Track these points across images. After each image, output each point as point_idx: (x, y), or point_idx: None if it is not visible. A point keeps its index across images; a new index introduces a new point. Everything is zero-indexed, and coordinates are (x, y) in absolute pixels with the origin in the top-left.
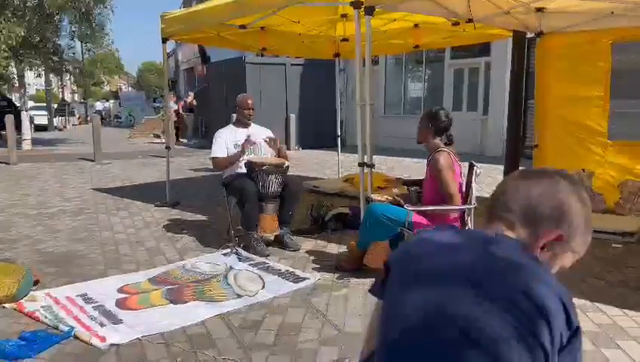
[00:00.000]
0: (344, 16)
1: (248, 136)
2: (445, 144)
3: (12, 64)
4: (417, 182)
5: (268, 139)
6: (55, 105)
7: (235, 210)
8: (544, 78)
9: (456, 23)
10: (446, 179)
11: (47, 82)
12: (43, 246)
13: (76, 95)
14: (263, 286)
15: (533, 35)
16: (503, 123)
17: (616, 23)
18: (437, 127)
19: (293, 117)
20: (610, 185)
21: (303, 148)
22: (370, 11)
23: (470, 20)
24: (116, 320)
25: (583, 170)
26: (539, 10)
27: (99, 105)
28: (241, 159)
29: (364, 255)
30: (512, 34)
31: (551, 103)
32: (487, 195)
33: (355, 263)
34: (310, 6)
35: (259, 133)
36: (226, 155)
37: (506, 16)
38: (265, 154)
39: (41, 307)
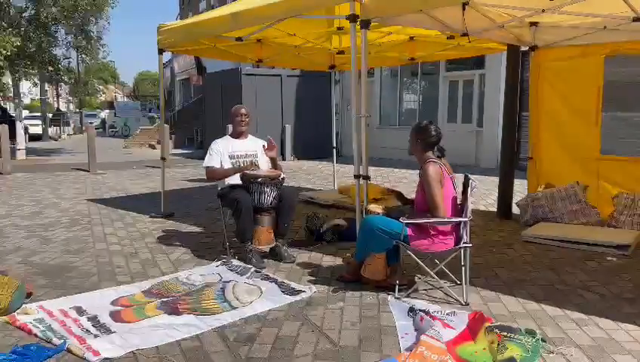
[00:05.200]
0: (340, 29)
1: (252, 163)
2: (438, 157)
3: (7, 73)
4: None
5: (268, 143)
6: (50, 115)
7: (230, 222)
8: (538, 90)
9: (451, 37)
10: (432, 189)
11: (42, 92)
12: (36, 258)
13: (71, 105)
14: (260, 295)
15: (527, 48)
16: (497, 135)
17: (609, 37)
18: (425, 141)
19: (288, 128)
20: (604, 198)
21: (298, 159)
22: (366, 25)
23: (465, 34)
24: (110, 333)
25: (577, 182)
26: (533, 24)
27: (102, 114)
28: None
29: (361, 266)
30: (506, 47)
31: (544, 116)
32: (483, 208)
33: (354, 275)
34: (306, 19)
35: (254, 145)
36: (219, 166)
37: (500, 30)
38: (260, 167)
39: (34, 320)
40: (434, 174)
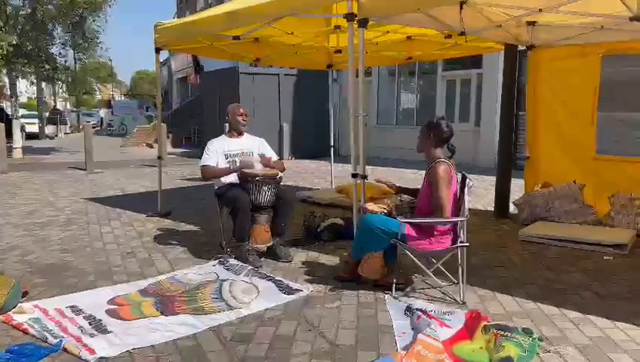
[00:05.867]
0: (338, 27)
1: (242, 162)
2: (448, 157)
3: (4, 72)
4: (413, 192)
5: (260, 157)
6: (47, 114)
7: (228, 221)
8: (535, 90)
9: (448, 36)
10: (440, 190)
11: (39, 90)
12: (32, 257)
13: (68, 103)
14: (257, 295)
15: (524, 47)
16: (494, 134)
17: (606, 37)
18: (438, 137)
19: (286, 127)
20: (600, 198)
21: (296, 158)
22: (363, 23)
23: (463, 33)
24: (106, 332)
25: (575, 181)
26: (530, 23)
27: (102, 113)
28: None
29: (358, 266)
30: (503, 47)
31: (542, 115)
32: (481, 207)
33: (351, 274)
34: (304, 18)
35: (251, 143)
36: (215, 165)
37: (498, 29)
38: (256, 165)
39: (30, 319)
40: (444, 174)
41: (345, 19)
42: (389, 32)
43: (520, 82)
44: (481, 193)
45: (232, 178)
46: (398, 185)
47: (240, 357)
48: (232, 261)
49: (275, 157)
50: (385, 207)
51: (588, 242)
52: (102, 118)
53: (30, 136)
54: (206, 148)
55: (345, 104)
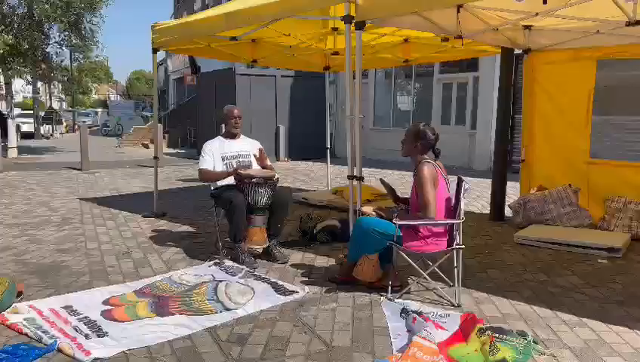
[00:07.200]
0: (335, 29)
1: (239, 164)
2: (433, 159)
3: None
4: (406, 201)
5: (258, 153)
6: (42, 113)
7: (224, 222)
8: (531, 93)
9: (445, 39)
10: (424, 188)
11: (35, 90)
12: (27, 257)
13: (64, 103)
14: (253, 296)
15: (520, 51)
16: (490, 137)
17: (601, 41)
18: (424, 146)
19: (282, 128)
20: (595, 201)
21: (292, 160)
22: (360, 26)
23: (459, 36)
24: (101, 333)
25: (570, 185)
26: (527, 27)
27: (99, 113)
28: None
29: (354, 267)
30: (500, 50)
31: (537, 119)
32: (476, 210)
33: (347, 275)
34: (301, 19)
35: (247, 145)
36: (212, 167)
37: (494, 33)
38: (253, 168)
39: (24, 319)
40: (427, 174)
41: (342, 22)
42: (385, 34)
43: (516, 85)
44: (476, 196)
45: (229, 179)
46: (398, 194)
47: (235, 358)
48: (228, 262)
49: (268, 162)
50: (379, 211)
51: (582, 245)
52: (98, 117)
53: (25, 136)
54: (202, 151)
55: (341, 106)
